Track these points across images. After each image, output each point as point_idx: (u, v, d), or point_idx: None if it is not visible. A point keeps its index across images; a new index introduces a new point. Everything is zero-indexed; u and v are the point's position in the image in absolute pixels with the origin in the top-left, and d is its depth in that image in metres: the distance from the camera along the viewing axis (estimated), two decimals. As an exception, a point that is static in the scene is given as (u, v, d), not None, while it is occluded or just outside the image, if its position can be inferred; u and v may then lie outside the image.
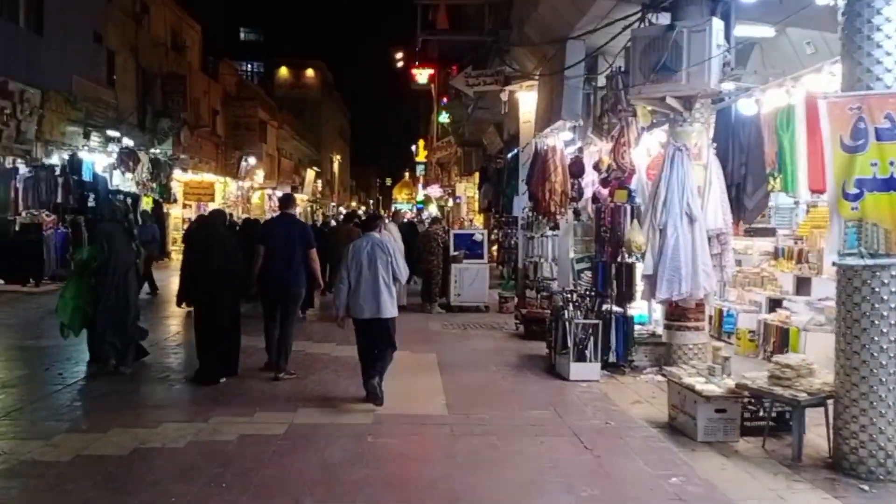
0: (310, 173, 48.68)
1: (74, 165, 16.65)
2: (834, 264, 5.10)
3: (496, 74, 12.63)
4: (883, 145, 4.56)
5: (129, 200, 19.53)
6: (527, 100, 12.31)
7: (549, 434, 5.52)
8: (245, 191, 34.31)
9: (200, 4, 29.39)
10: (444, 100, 26.89)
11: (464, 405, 6.32)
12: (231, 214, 23.71)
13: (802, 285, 8.83)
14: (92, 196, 17.17)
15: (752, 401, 5.59)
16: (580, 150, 10.53)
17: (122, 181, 19.75)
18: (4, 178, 14.64)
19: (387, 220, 15.25)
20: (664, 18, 7.40)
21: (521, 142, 12.70)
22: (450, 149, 28.70)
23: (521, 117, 12.67)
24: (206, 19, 30.07)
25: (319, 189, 54.71)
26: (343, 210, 43.64)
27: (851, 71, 4.85)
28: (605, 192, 9.06)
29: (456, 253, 12.64)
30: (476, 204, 25.37)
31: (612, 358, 7.66)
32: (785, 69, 7.87)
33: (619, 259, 8.02)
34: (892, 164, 4.57)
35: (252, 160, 33.17)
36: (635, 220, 7.73)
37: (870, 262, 4.69)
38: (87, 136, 17.50)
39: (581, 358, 7.35)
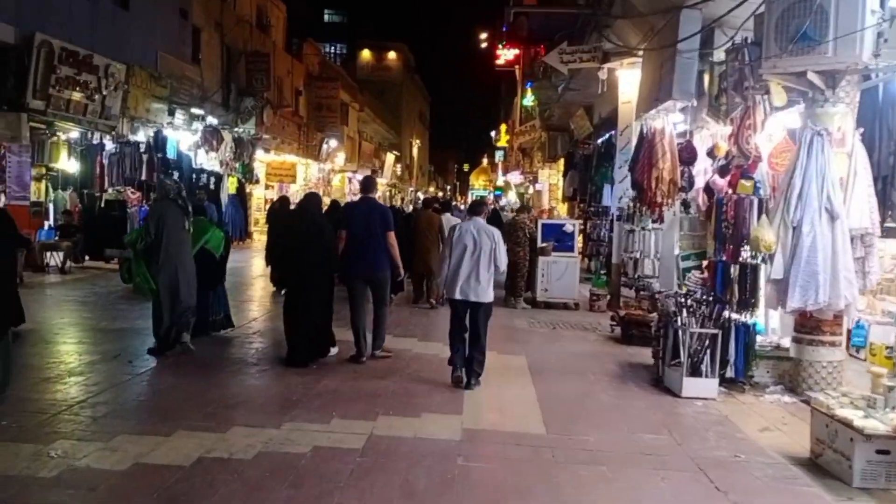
0: (390, 157, 48.49)
1: (159, 143, 16.62)
2: None
3: (594, 51, 11.62)
4: None
5: (212, 180, 19.64)
6: (628, 78, 11.28)
7: (668, 467, 4.68)
8: (326, 173, 34.25)
9: (286, -16, 29.30)
10: (530, 82, 25.88)
11: (563, 422, 5.54)
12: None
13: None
14: (176, 174, 17.17)
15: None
16: (689, 133, 9.49)
17: (206, 160, 19.74)
18: (91, 154, 14.69)
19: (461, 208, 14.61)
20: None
21: (620, 124, 11.67)
22: (533, 133, 27.61)
23: (620, 97, 11.64)
24: (291, 1, 29.96)
25: (399, 173, 54.53)
26: (421, 195, 43.19)
27: None
28: (722, 182, 8.02)
29: (544, 245, 11.80)
30: (560, 192, 24.30)
31: (729, 373, 6.70)
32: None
33: (740, 259, 7.02)
34: None
35: (333, 142, 33.00)
36: (763, 216, 6.70)
37: None
38: (171, 113, 17.44)
39: (696, 372, 6.43)
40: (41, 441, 4.61)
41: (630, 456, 4.85)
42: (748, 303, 6.90)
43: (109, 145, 15.13)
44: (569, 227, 12.14)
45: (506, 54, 29.81)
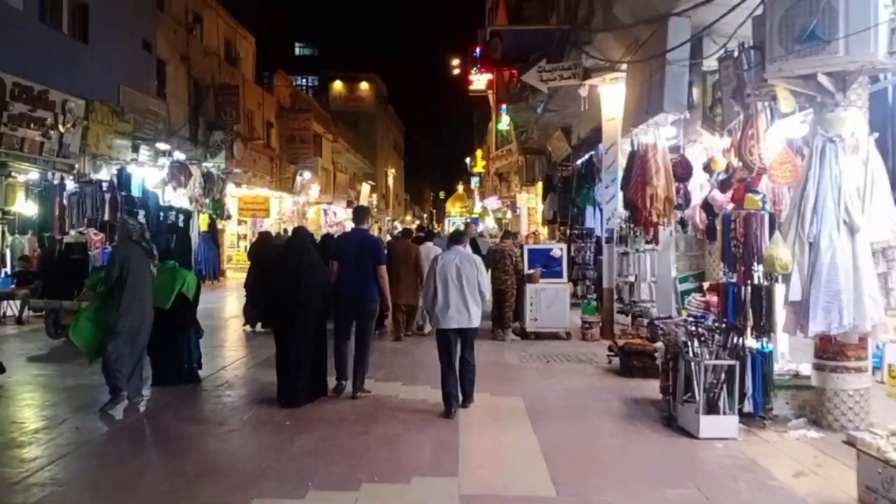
0: (365, 187, 47.98)
1: (123, 180, 15.79)
2: None
3: (574, 67, 11.11)
4: None
5: (181, 217, 18.81)
6: (611, 94, 10.78)
7: (703, 531, 4.02)
8: (301, 206, 33.54)
9: (254, 18, 28.83)
10: (504, 106, 25.49)
11: (573, 477, 4.86)
12: (285, 230, 22.77)
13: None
14: (142, 213, 16.35)
15: None
16: (681, 148, 8.96)
17: (174, 197, 18.95)
18: (50, 195, 13.85)
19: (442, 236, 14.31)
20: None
21: (605, 142, 11.16)
22: (510, 157, 27.22)
23: (603, 115, 11.13)
24: (260, 33, 29.49)
25: (374, 203, 54.01)
26: (399, 225, 42.65)
27: None
28: (723, 197, 7.48)
29: (531, 271, 11.17)
30: (539, 215, 23.81)
31: (747, 407, 6.07)
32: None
33: (752, 280, 6.44)
34: None
35: (307, 174, 32.35)
36: (777, 232, 6.13)
37: None
38: (135, 149, 16.68)
39: (712, 409, 5.80)
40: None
41: (657, 520, 4.19)
42: (764, 328, 6.30)
43: (70, 185, 14.32)
44: (556, 252, 11.53)
45: (479, 80, 29.53)
